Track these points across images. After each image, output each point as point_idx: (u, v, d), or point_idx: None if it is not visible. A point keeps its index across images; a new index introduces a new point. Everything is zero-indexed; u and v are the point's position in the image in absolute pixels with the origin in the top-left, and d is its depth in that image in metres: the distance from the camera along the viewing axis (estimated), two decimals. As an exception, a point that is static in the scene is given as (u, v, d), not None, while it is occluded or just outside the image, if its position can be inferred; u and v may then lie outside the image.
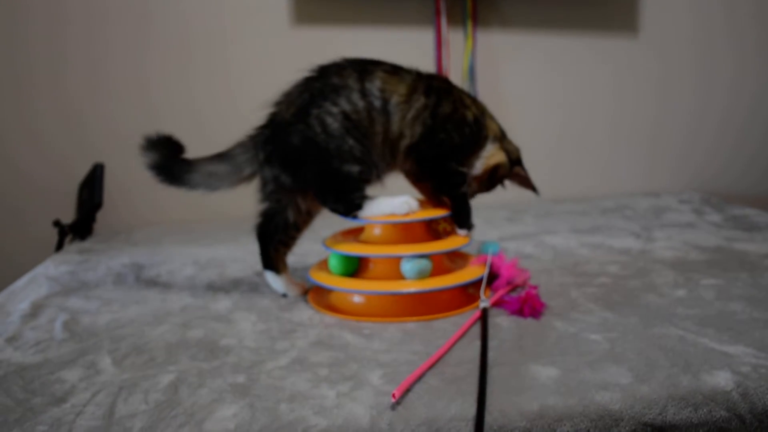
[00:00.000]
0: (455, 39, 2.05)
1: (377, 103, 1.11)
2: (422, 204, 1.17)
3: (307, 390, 0.85)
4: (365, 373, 0.89)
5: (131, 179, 1.99)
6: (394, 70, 1.15)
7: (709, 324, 1.02)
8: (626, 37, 2.21)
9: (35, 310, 1.20)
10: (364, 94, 1.11)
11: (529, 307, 1.08)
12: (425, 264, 1.10)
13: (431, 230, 1.18)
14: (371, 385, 0.85)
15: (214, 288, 1.31)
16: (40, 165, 1.97)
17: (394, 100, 1.12)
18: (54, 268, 1.50)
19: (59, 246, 1.80)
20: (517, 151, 1.23)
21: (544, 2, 2.13)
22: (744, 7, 2.27)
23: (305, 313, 1.15)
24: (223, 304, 1.21)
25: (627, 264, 1.38)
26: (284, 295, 1.23)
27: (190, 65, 1.99)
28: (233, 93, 2.01)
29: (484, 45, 2.08)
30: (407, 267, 1.10)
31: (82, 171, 1.92)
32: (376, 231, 1.18)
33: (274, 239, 1.21)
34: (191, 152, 1.93)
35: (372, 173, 1.13)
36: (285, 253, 1.24)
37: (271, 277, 1.23)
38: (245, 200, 2.00)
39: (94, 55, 1.95)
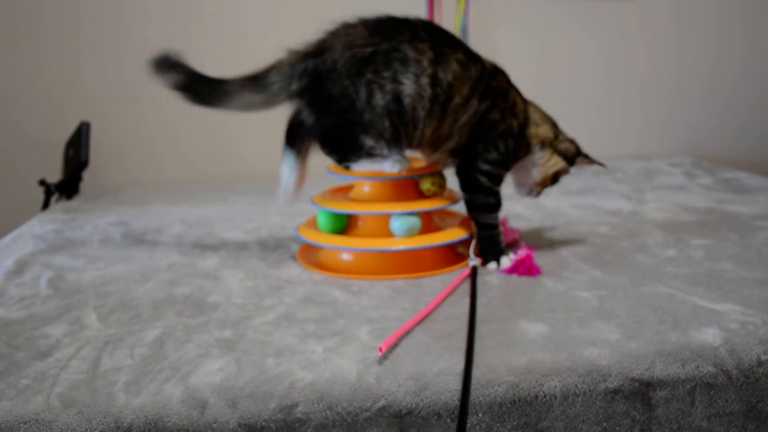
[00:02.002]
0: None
1: (442, 98, 1.04)
2: (412, 163, 1.16)
3: (294, 345, 0.84)
4: (353, 328, 0.88)
5: (119, 138, 1.97)
6: (466, 62, 1.06)
7: (698, 283, 1.02)
8: (619, 0, 2.18)
9: (20, 267, 1.19)
10: (434, 83, 1.03)
11: (525, 268, 1.08)
12: (414, 221, 1.09)
13: (418, 189, 1.16)
14: (359, 341, 0.85)
15: (201, 246, 1.30)
16: (26, 124, 1.94)
17: (456, 101, 1.05)
18: (40, 226, 1.48)
19: (45, 205, 1.78)
20: (573, 144, 1.17)
21: (538, -39, 2.10)
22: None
23: (293, 270, 1.14)
24: (210, 261, 1.20)
25: (617, 225, 1.38)
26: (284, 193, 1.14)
27: (178, 21, 1.95)
28: (221, 49, 1.97)
29: (477, 4, 2.05)
30: (396, 224, 1.09)
31: (69, 129, 1.89)
32: (366, 188, 1.16)
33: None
34: (181, 108, 1.92)
35: (384, 151, 1.08)
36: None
37: (287, 159, 1.13)
38: (234, 161, 1.99)
39: (76, 13, 1.90)
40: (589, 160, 1.18)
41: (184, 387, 0.75)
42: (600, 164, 1.20)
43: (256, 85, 1.08)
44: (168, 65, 1.11)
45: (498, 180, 1.12)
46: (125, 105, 1.97)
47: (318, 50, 1.05)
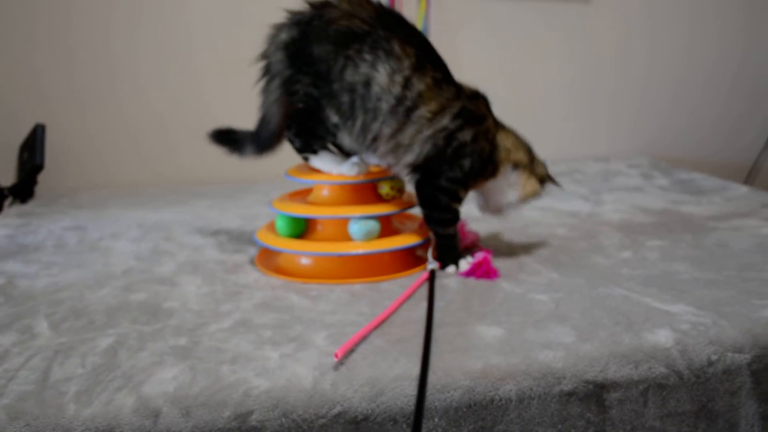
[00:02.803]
0: (408, 1, 2.02)
1: (408, 102, 1.04)
2: (371, 167, 1.15)
3: (249, 352, 0.83)
4: (310, 334, 0.88)
5: (76, 140, 1.93)
6: (441, 82, 1.07)
7: (652, 284, 1.03)
8: (579, 3, 2.21)
9: (-30, 274, 1.16)
10: (406, 85, 1.04)
11: (482, 271, 1.08)
12: (373, 225, 1.09)
13: (377, 193, 1.16)
14: (315, 347, 0.84)
15: (158, 251, 1.28)
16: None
17: (421, 112, 1.05)
18: (-8, 231, 1.45)
19: (-1, 209, 1.74)
20: (544, 168, 1.17)
21: (498, -36, 2.11)
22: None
23: (251, 275, 1.13)
24: (167, 267, 1.18)
25: (575, 226, 1.39)
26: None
27: (132, 21, 1.92)
28: (181, 48, 1.95)
29: (438, 8, 2.05)
30: (355, 228, 1.09)
31: (23, 132, 1.85)
32: (324, 192, 1.16)
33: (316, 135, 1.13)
34: (148, 109, 1.89)
35: (341, 141, 1.10)
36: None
37: (325, 157, 1.13)
38: (194, 164, 1.97)
39: (29, 13, 1.86)
40: (552, 181, 1.19)
41: (136, 396, 0.74)
42: (557, 184, 1.20)
43: (263, 69, 1.11)
44: (225, 141, 1.17)
45: (457, 198, 1.12)
46: (82, 107, 1.93)
47: (321, 5, 1.08)
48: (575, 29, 2.23)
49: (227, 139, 1.17)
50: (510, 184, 1.13)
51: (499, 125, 1.14)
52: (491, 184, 1.13)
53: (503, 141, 1.12)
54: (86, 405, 0.72)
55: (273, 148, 1.16)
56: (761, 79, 2.42)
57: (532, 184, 1.14)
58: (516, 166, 1.13)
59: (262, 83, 1.12)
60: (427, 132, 1.06)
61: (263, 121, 1.13)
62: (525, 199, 1.15)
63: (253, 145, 1.15)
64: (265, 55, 1.11)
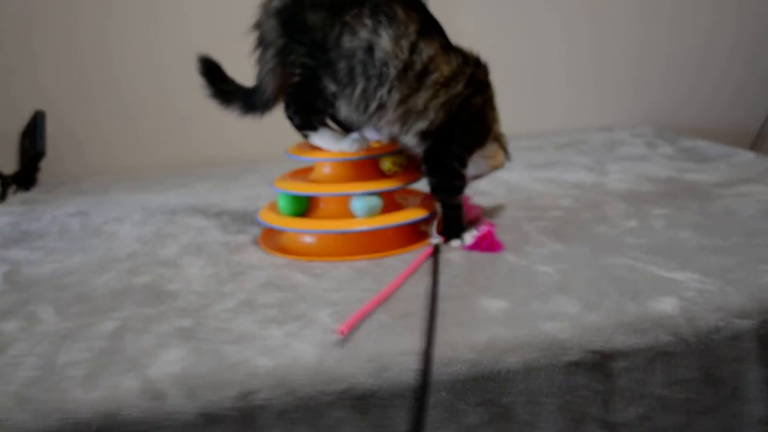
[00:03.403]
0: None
1: (418, 67, 1.03)
2: (371, 143, 1.14)
3: (254, 331, 0.83)
4: (314, 312, 0.88)
5: (77, 126, 1.93)
6: (446, 48, 1.06)
7: (657, 252, 1.02)
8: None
9: (-25, 262, 1.16)
10: (413, 50, 1.03)
11: (486, 244, 1.08)
12: (375, 201, 1.08)
13: (379, 169, 1.15)
14: (320, 324, 0.84)
15: (162, 234, 1.28)
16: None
17: (434, 77, 1.04)
18: (-4, 219, 1.45)
19: (2, 197, 1.74)
20: (506, 141, 1.18)
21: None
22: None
23: (255, 255, 1.12)
24: (171, 249, 1.18)
25: (579, 197, 1.38)
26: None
27: (133, 6, 1.91)
28: (181, 32, 1.93)
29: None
30: (357, 205, 1.08)
31: (24, 119, 1.85)
32: (326, 170, 1.15)
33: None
34: (150, 92, 1.88)
35: (339, 110, 1.08)
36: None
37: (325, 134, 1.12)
38: (196, 147, 1.96)
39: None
40: (507, 154, 1.19)
41: (142, 379, 0.74)
42: (510, 159, 1.20)
43: (257, 40, 1.09)
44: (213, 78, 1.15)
45: (465, 164, 1.12)
46: (81, 92, 1.92)
47: None
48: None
49: (217, 80, 1.15)
50: (485, 155, 1.14)
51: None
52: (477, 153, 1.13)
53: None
54: (93, 389, 0.72)
55: (261, 115, 1.14)
56: (764, 44, 2.38)
57: (501, 155, 1.16)
58: (495, 138, 1.14)
59: (257, 53, 1.11)
60: (443, 97, 1.06)
61: (257, 89, 1.12)
62: (493, 169, 1.16)
63: (241, 104, 1.14)
64: (258, 24, 1.10)
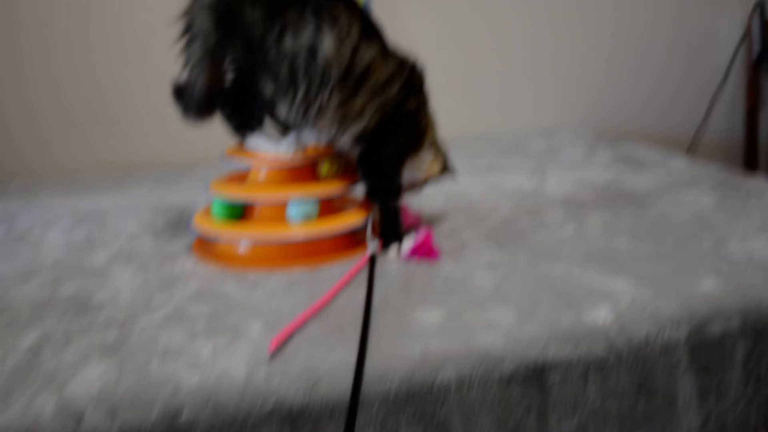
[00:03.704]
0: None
1: (358, 71, 1.02)
2: (308, 146, 1.12)
3: (181, 345, 0.80)
4: (245, 324, 0.85)
5: (5, 123, 1.85)
6: (385, 52, 1.05)
7: (593, 259, 1.03)
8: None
9: None
10: (354, 53, 1.01)
11: (423, 250, 1.06)
12: (312, 208, 1.06)
13: (316, 173, 1.13)
14: (250, 338, 0.81)
15: (91, 240, 1.23)
16: None
17: (373, 80, 1.03)
18: None
19: (-77, 200, 1.66)
20: (446, 155, 1.17)
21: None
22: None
23: (187, 263, 1.09)
24: (100, 257, 1.14)
25: (519, 203, 1.38)
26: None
27: (58, 3, 1.84)
28: (106, 28, 1.87)
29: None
30: (293, 211, 1.06)
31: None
32: (262, 174, 1.12)
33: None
34: (84, 91, 1.81)
35: (279, 115, 1.05)
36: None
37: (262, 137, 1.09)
38: (131, 148, 1.90)
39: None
40: (448, 167, 1.18)
41: (58, 397, 0.70)
42: (452, 172, 1.19)
43: (183, 30, 1.03)
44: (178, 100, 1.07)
45: (400, 167, 1.11)
46: (12, 86, 1.84)
47: None
48: None
49: (179, 97, 1.07)
50: (421, 161, 1.13)
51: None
52: (413, 159, 1.12)
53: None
54: (4, 409, 0.68)
55: (209, 115, 1.07)
56: (702, 49, 2.44)
57: (437, 164, 1.15)
58: (431, 144, 1.13)
59: (182, 42, 1.03)
60: (378, 101, 1.05)
61: (188, 85, 1.04)
62: (428, 179, 1.15)
63: (191, 111, 1.06)
64: (186, 13, 1.03)
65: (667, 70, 2.41)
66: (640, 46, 2.37)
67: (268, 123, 1.10)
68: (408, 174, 1.12)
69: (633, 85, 2.39)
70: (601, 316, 0.83)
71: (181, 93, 1.06)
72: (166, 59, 1.07)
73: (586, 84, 2.35)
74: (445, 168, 1.17)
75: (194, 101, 1.05)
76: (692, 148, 2.46)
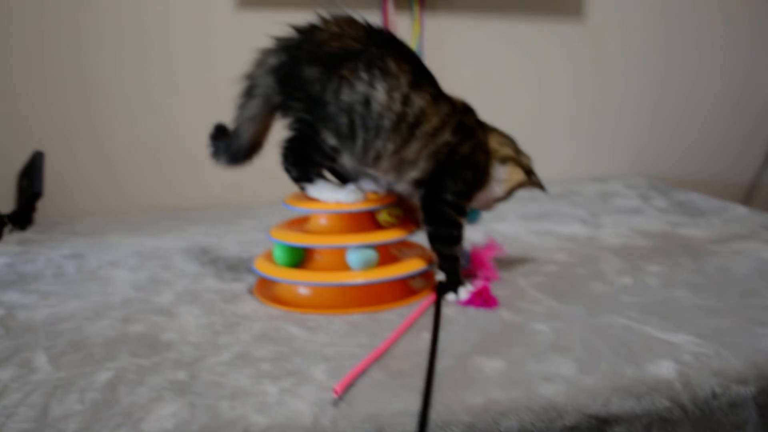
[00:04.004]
0: (402, 23, 2.03)
1: (410, 119, 1.06)
2: (368, 194, 1.15)
3: (248, 386, 0.83)
4: (309, 367, 0.87)
5: (74, 168, 1.94)
6: (438, 98, 1.09)
7: (653, 312, 1.03)
8: (571, 21, 2.22)
9: (-32, 305, 1.16)
10: (405, 102, 1.05)
11: (482, 299, 1.08)
12: (371, 254, 1.09)
13: (376, 221, 1.16)
14: (315, 381, 0.84)
15: (157, 280, 1.28)
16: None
17: (425, 128, 1.07)
18: (-9, 260, 1.44)
19: (-3, 236, 1.74)
20: (529, 161, 1.20)
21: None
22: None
23: (250, 305, 1.12)
24: (165, 296, 1.18)
25: (574, 251, 1.39)
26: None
27: (130, 51, 1.93)
28: (176, 77, 1.95)
29: (431, 29, 2.07)
30: (353, 257, 1.08)
31: (22, 159, 1.86)
32: (322, 221, 1.16)
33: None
34: (146, 135, 1.89)
35: (341, 164, 1.10)
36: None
37: (323, 186, 1.12)
38: (191, 190, 1.97)
39: (32, 41, 1.87)
40: (537, 181, 1.21)
41: (135, 435, 0.73)
42: (543, 189, 1.22)
43: (245, 89, 1.12)
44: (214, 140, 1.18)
45: (462, 212, 1.13)
46: (80, 133, 1.93)
47: (309, 29, 1.09)
48: (570, 47, 2.24)
49: (217, 138, 1.18)
50: (497, 180, 1.15)
51: (484, 128, 1.17)
52: (487, 185, 1.15)
53: (492, 143, 1.16)
54: (84, 444, 0.72)
55: (241, 164, 1.17)
56: (755, 96, 2.42)
57: (517, 173, 1.16)
58: (504, 161, 1.15)
59: (240, 100, 1.13)
60: (432, 147, 1.08)
61: (234, 135, 1.15)
62: (511, 188, 1.17)
63: (225, 155, 1.17)
64: (250, 77, 1.12)
65: (718, 116, 2.40)
66: (693, 92, 2.37)
67: (328, 173, 1.14)
68: (482, 196, 1.15)
69: (684, 131, 2.38)
70: (664, 370, 0.83)
71: (218, 137, 1.18)
72: (228, 108, 1.13)
73: (638, 130, 2.35)
74: (530, 174, 1.18)
75: (238, 150, 1.15)
76: (749, 196, 2.43)
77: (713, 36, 2.35)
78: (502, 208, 1.21)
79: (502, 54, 2.18)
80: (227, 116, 1.15)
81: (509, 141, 1.18)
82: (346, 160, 1.10)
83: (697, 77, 2.36)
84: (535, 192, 1.21)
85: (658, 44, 2.31)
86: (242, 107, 1.13)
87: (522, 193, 1.90)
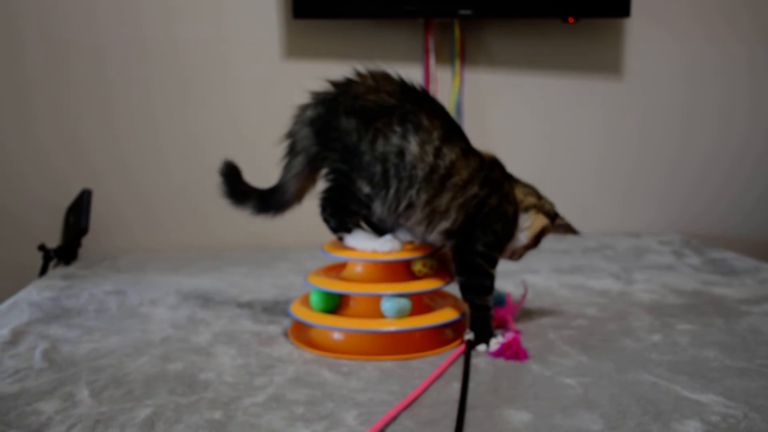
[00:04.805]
0: (443, 76, 2.08)
1: (442, 171, 1.11)
2: (404, 245, 1.18)
3: (282, 429, 0.85)
4: (341, 412, 0.90)
5: (119, 205, 2.01)
6: (467, 153, 1.14)
7: (681, 371, 1.03)
8: (611, 79, 2.25)
9: (15, 337, 1.21)
10: (437, 155, 1.10)
11: (512, 351, 1.10)
12: (405, 303, 1.11)
13: (410, 271, 1.19)
14: (346, 426, 0.86)
15: (195, 320, 1.32)
16: (27, 188, 1.97)
17: (455, 180, 1.11)
18: (37, 293, 1.50)
19: (43, 270, 1.80)
20: (552, 206, 1.23)
21: (530, 43, 2.17)
22: (730, 48, 2.30)
23: (285, 348, 1.15)
24: (203, 336, 1.22)
25: (605, 306, 1.40)
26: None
27: (186, 94, 2.01)
28: (227, 121, 2.03)
29: (471, 83, 2.11)
30: (387, 305, 1.11)
31: (69, 196, 1.93)
32: (358, 269, 1.19)
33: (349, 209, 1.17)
34: (188, 177, 1.96)
35: (374, 210, 1.14)
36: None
37: (360, 235, 1.17)
38: (230, 231, 2.02)
39: (91, 82, 1.96)
40: (566, 223, 1.24)
41: (172, 471, 0.76)
42: (574, 231, 1.25)
43: (288, 147, 1.18)
44: (231, 179, 1.25)
45: (493, 262, 1.16)
46: (126, 172, 2.01)
47: (345, 83, 1.15)
48: (607, 104, 2.26)
49: (234, 181, 1.24)
50: (521, 228, 1.18)
51: (510, 180, 1.21)
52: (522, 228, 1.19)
53: (518, 193, 1.20)
54: (124, 478, 0.75)
55: (274, 215, 1.23)
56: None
57: (540, 219, 1.20)
58: (526, 209, 1.19)
59: (285, 159, 1.19)
60: (461, 199, 1.12)
61: (278, 189, 1.20)
62: (535, 235, 1.19)
63: (257, 203, 1.22)
64: (291, 134, 1.18)
65: (759, 173, 2.38)
66: (739, 151, 2.36)
67: (364, 223, 1.18)
68: (510, 245, 1.18)
69: (723, 191, 2.38)
70: (691, 430, 0.84)
71: (228, 173, 1.24)
72: (266, 153, 1.18)
73: (673, 187, 2.35)
74: (554, 218, 1.22)
75: (281, 204, 1.21)
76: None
77: (762, 95, 2.35)
78: (535, 260, 1.23)
79: (540, 109, 2.22)
80: (264, 160, 1.21)
81: (532, 190, 1.22)
82: (378, 210, 1.14)
83: (743, 137, 2.36)
84: (568, 245, 1.24)
85: (696, 103, 2.32)
86: (287, 166, 1.19)
87: (555, 246, 1.93)
